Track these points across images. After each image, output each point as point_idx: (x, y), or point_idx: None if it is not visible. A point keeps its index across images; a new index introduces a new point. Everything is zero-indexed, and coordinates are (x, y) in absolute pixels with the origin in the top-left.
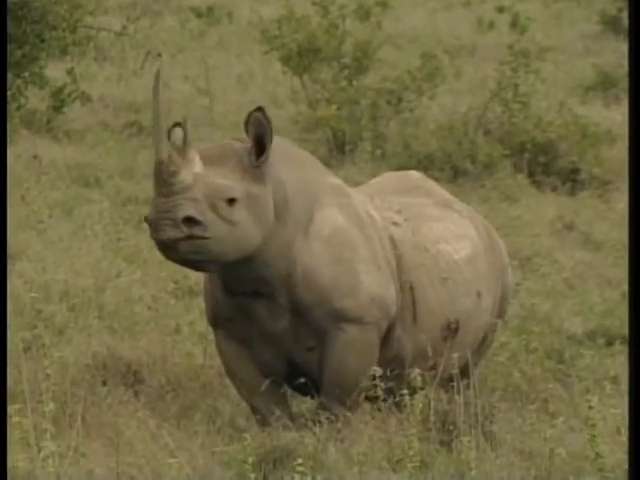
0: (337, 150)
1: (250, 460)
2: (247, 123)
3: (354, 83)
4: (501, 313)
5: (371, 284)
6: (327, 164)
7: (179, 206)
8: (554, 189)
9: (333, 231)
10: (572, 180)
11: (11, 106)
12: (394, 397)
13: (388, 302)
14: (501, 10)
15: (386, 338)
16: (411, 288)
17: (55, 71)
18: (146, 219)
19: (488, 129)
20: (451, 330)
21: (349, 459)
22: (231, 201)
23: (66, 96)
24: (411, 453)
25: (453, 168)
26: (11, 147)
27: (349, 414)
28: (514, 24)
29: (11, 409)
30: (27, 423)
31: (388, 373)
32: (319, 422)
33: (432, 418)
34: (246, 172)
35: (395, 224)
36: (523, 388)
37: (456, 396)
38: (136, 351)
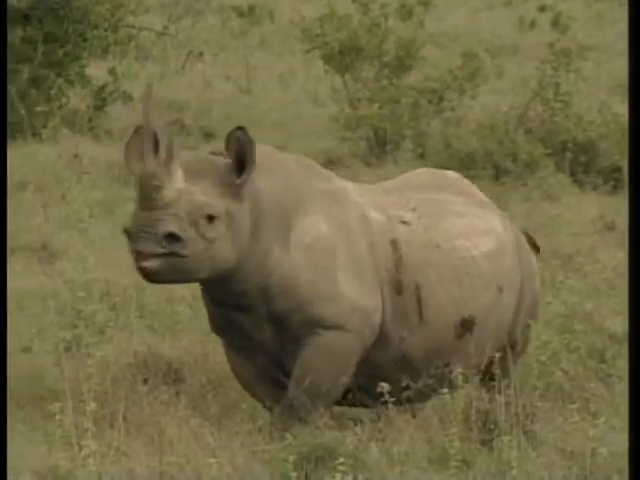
0: (378, 149)
1: (291, 459)
2: (228, 141)
3: (395, 82)
4: (533, 318)
5: (352, 292)
6: (368, 163)
7: (161, 221)
8: (595, 188)
9: (315, 239)
10: (613, 179)
11: (53, 105)
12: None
13: (370, 311)
14: (542, 9)
15: (384, 341)
16: (416, 288)
17: (97, 70)
18: (125, 230)
19: (529, 128)
20: (465, 327)
21: (390, 458)
22: (210, 218)
23: (107, 95)
24: (452, 452)
25: (494, 167)
26: (52, 146)
27: (310, 415)
28: (555, 23)
29: (53, 408)
30: (68, 422)
31: (399, 375)
32: (361, 421)
33: (473, 417)
34: (226, 188)
35: (403, 223)
36: (565, 387)
37: (497, 395)
38: (177, 350)
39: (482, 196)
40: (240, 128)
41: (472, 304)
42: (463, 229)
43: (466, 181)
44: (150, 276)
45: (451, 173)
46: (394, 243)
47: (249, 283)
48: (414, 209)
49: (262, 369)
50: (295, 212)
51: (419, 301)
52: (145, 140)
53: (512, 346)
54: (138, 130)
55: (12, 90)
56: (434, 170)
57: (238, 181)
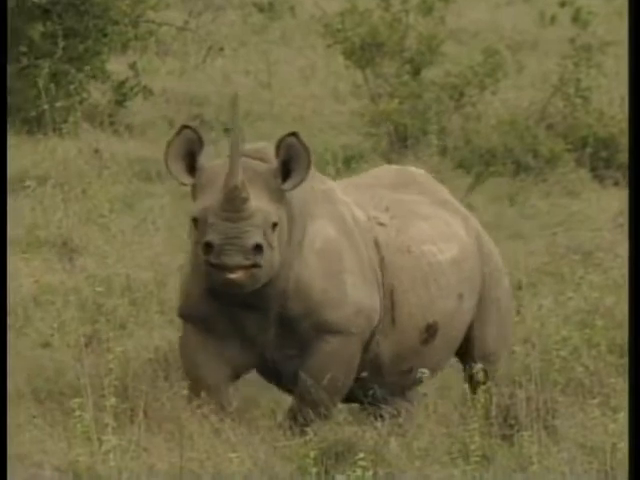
0: (399, 144)
1: (312, 454)
2: (279, 146)
3: (416, 78)
4: (507, 319)
5: (358, 295)
6: (389, 159)
7: (248, 233)
8: (616, 183)
9: (324, 244)
10: None
11: (73, 100)
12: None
13: (373, 312)
14: (563, 4)
15: (366, 343)
16: (391, 291)
17: (117, 65)
18: (207, 243)
19: (550, 124)
20: (430, 333)
21: (410, 453)
22: (274, 226)
23: (128, 90)
24: (473, 447)
25: (515, 163)
26: (73, 141)
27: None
28: (576, 19)
29: (73, 403)
30: (89, 418)
31: (364, 374)
32: (381, 416)
33: (494, 413)
34: (272, 194)
35: (381, 224)
36: (585, 383)
37: (518, 391)
38: None
39: (445, 193)
40: (293, 134)
41: (437, 310)
42: (429, 234)
43: (429, 177)
44: (235, 288)
45: (416, 170)
46: (377, 244)
47: (271, 286)
48: (387, 209)
49: (234, 361)
50: (305, 216)
51: (393, 305)
52: (233, 151)
53: (485, 357)
54: (181, 130)
55: (32, 85)
56: (400, 167)
57: (285, 186)
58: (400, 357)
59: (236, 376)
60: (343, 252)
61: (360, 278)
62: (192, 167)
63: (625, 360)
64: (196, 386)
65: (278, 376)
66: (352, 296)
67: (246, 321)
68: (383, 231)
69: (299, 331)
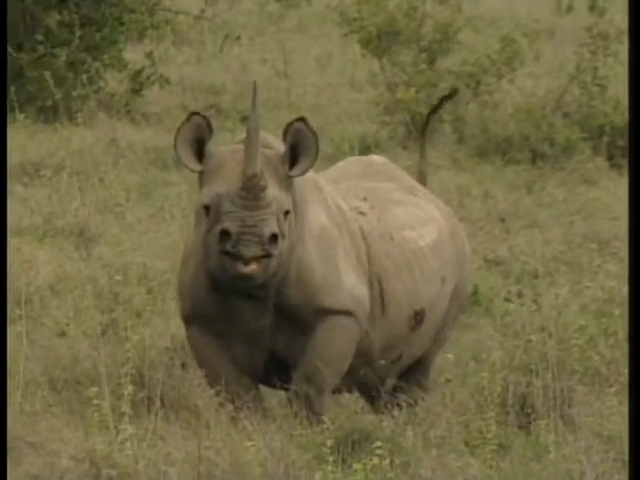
0: (416, 133)
1: (328, 443)
2: (286, 131)
3: (433, 66)
4: (457, 299)
5: (350, 282)
6: (405, 147)
7: (265, 222)
8: None
9: (320, 230)
10: None
11: (90, 89)
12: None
13: (363, 299)
14: None
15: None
16: (379, 280)
17: (134, 54)
18: (224, 231)
19: (567, 112)
20: (417, 319)
21: (427, 442)
22: (287, 214)
23: (145, 79)
24: (489, 436)
25: (532, 151)
26: (89, 130)
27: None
28: (592, 7)
29: (90, 392)
30: (105, 406)
31: (358, 368)
32: (397, 405)
33: (510, 401)
34: (281, 181)
35: (362, 214)
36: (602, 371)
37: (535, 379)
38: None
39: (412, 181)
40: (301, 119)
41: (422, 296)
42: (407, 219)
43: (394, 166)
44: (247, 281)
45: (378, 158)
46: (362, 233)
47: (276, 274)
48: (364, 199)
49: (240, 359)
50: (303, 203)
51: (381, 293)
52: (251, 138)
53: (438, 332)
54: (190, 117)
55: (47, 74)
56: (365, 158)
57: (293, 173)
58: (390, 345)
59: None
60: (336, 238)
61: (350, 265)
62: (201, 153)
63: None
64: (214, 382)
65: (277, 373)
66: (346, 283)
67: (244, 310)
68: (365, 220)
69: (297, 317)
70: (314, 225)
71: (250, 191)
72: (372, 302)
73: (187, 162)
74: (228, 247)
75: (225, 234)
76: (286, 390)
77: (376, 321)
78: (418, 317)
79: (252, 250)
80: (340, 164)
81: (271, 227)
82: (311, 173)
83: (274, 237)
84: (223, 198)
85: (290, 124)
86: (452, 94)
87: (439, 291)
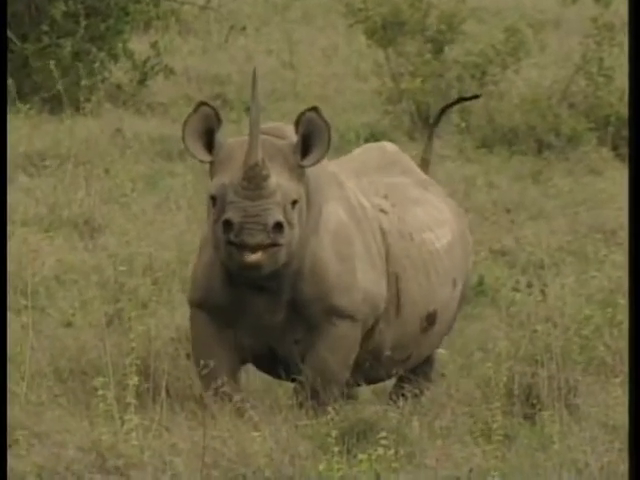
0: (421, 123)
1: (333, 433)
2: (298, 121)
3: (439, 56)
4: (463, 297)
5: (366, 282)
6: (411, 137)
7: (269, 211)
8: None
9: (337, 226)
10: None
11: (95, 79)
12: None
13: (378, 299)
14: None
15: (369, 331)
16: (396, 279)
17: (139, 45)
18: (227, 221)
19: (572, 103)
20: (430, 321)
21: (432, 433)
22: (294, 203)
23: (149, 70)
24: (494, 427)
25: (537, 141)
26: (95, 120)
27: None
28: None
29: (95, 382)
30: (111, 397)
31: (367, 364)
32: (403, 396)
33: (516, 392)
34: (292, 171)
35: (383, 211)
36: (607, 361)
37: (540, 370)
38: None
39: (421, 173)
40: (313, 109)
41: (436, 298)
42: (425, 220)
43: (405, 155)
44: (254, 270)
45: (389, 146)
46: (382, 232)
47: (287, 267)
48: (386, 196)
49: (244, 351)
50: (320, 196)
51: (398, 293)
52: (253, 127)
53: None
54: (199, 107)
55: (52, 64)
56: (378, 145)
57: (305, 163)
58: (401, 346)
59: (243, 363)
60: (353, 237)
61: (369, 264)
62: (210, 144)
63: None
64: (209, 375)
65: (284, 366)
66: (361, 282)
67: (258, 304)
68: (386, 219)
69: (309, 315)
70: (331, 220)
71: (252, 181)
72: (388, 302)
73: (196, 153)
74: (231, 237)
75: (228, 224)
76: (292, 381)
77: (390, 320)
78: (430, 319)
79: (256, 238)
80: (357, 152)
81: (275, 216)
82: (331, 166)
83: (279, 225)
84: (227, 188)
85: (302, 114)
86: (472, 97)
87: (451, 293)
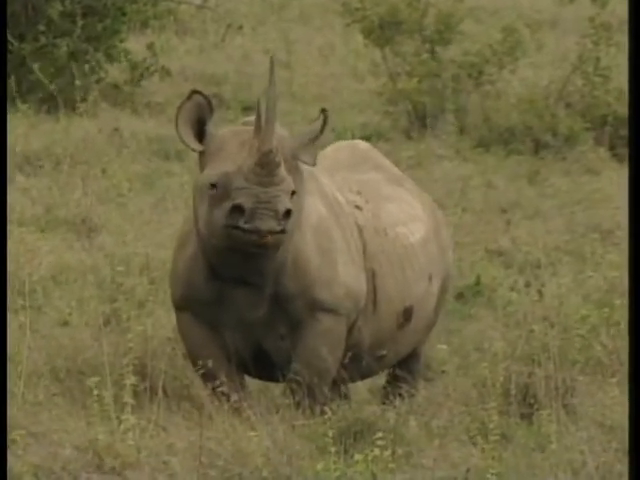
0: (418, 123)
1: (330, 433)
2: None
3: (435, 56)
4: (444, 291)
5: (346, 276)
6: (408, 137)
7: (279, 197)
8: None
9: (318, 221)
10: None
11: (92, 79)
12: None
13: (359, 294)
14: None
15: (349, 328)
16: (373, 275)
17: (136, 45)
18: (238, 206)
19: (569, 102)
20: (406, 317)
21: (429, 432)
22: (293, 194)
23: (144, 70)
24: (491, 426)
25: (534, 141)
26: (92, 120)
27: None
28: None
29: (92, 382)
30: (107, 396)
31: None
32: (400, 395)
33: (513, 391)
34: (288, 162)
35: (358, 207)
36: (604, 361)
37: (537, 369)
38: None
39: (395, 169)
40: (323, 110)
41: (412, 293)
42: (398, 215)
43: (377, 152)
44: (261, 248)
45: (362, 143)
46: (359, 228)
47: (272, 260)
48: (359, 193)
49: (231, 349)
50: (302, 191)
51: (375, 289)
52: (268, 114)
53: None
54: (191, 95)
55: (51, 64)
56: (350, 143)
57: (307, 159)
58: (378, 342)
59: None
60: (333, 232)
61: (349, 258)
62: (201, 134)
63: None
64: (208, 375)
65: (270, 363)
66: (342, 276)
67: (240, 298)
68: (361, 215)
69: (291, 310)
70: (312, 215)
71: (265, 167)
72: (365, 298)
73: (188, 141)
74: (241, 223)
75: (238, 209)
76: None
77: (367, 317)
78: (407, 314)
79: (269, 224)
80: (328, 150)
81: (285, 203)
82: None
83: (288, 213)
84: (233, 175)
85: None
86: None
87: (427, 288)
